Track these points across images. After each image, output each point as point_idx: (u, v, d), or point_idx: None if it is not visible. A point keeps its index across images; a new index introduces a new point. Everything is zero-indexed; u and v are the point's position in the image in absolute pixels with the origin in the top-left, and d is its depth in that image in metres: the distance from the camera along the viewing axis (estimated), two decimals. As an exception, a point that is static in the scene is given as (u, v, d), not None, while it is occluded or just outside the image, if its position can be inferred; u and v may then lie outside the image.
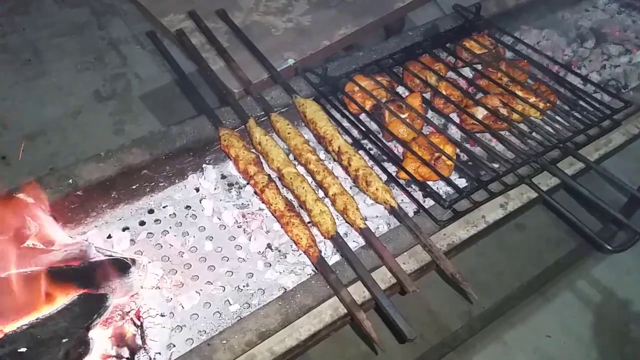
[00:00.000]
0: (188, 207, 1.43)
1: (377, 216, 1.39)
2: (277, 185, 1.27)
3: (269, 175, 1.29)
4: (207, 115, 1.43)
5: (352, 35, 2.24)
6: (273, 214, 1.25)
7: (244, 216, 1.39)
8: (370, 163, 1.38)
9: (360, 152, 1.40)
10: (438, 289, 2.50)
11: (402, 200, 1.38)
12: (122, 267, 1.17)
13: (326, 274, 1.12)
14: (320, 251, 1.17)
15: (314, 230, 1.25)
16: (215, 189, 1.46)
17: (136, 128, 3.16)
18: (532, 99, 1.42)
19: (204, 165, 1.47)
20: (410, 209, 1.37)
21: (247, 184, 1.34)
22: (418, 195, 1.36)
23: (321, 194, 1.34)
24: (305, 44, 2.12)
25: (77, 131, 3.19)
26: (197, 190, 1.46)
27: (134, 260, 1.21)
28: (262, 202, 1.29)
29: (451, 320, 2.44)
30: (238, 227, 1.39)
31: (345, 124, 1.47)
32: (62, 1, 4.01)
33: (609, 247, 1.18)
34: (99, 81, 3.47)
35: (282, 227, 1.23)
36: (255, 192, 1.30)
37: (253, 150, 1.35)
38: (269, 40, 2.12)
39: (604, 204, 1.19)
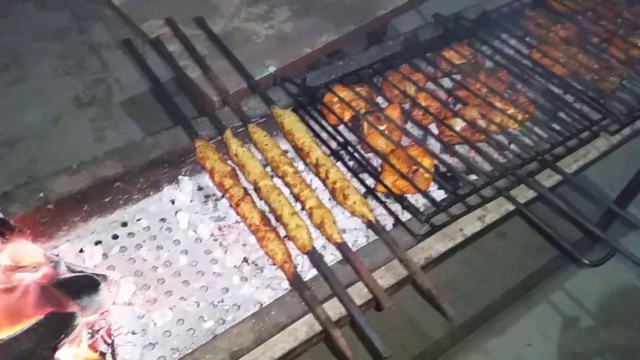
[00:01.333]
0: (163, 219, 1.40)
1: (355, 228, 1.37)
2: (252, 199, 1.25)
3: (244, 188, 1.26)
4: (183, 126, 1.40)
5: (334, 43, 2.23)
6: (249, 228, 1.23)
7: (220, 229, 1.36)
8: (349, 175, 1.36)
9: (339, 164, 1.38)
10: (419, 297, 2.49)
11: (381, 212, 1.36)
12: (92, 283, 1.13)
13: (301, 290, 1.10)
14: (295, 267, 1.15)
15: (292, 245, 1.23)
16: (191, 201, 1.43)
17: (117, 135, 3.12)
18: (511, 110, 1.42)
19: (179, 177, 1.44)
20: (389, 221, 1.36)
21: (223, 196, 1.31)
22: (397, 207, 1.34)
23: (299, 207, 1.32)
24: (286, 51, 2.10)
25: (57, 138, 3.14)
26: (173, 202, 1.43)
27: (104, 277, 1.18)
28: (238, 216, 1.26)
29: (433, 329, 2.44)
30: (214, 240, 1.36)
31: (324, 135, 1.45)
32: (42, 5, 3.96)
33: (585, 262, 1.17)
34: (79, 87, 3.42)
35: (257, 242, 1.21)
36: (231, 206, 1.28)
37: (229, 163, 1.33)
38: (250, 47, 2.10)
39: (580, 217, 1.19)
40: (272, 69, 2.03)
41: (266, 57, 2.06)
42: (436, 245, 1.28)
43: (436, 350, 2.33)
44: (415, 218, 1.22)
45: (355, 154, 1.38)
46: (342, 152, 1.41)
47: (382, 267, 1.22)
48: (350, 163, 1.40)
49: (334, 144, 1.43)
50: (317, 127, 1.46)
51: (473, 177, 1.38)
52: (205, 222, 1.38)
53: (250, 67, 1.97)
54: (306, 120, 1.46)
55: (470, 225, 1.32)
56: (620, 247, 1.16)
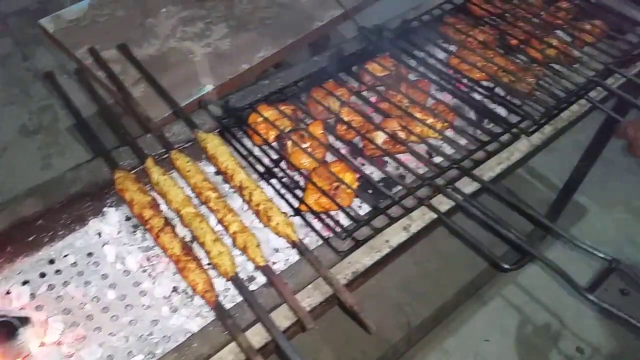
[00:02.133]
0: (90, 254, 1.38)
1: (287, 247, 1.37)
2: (173, 229, 1.24)
3: (165, 218, 1.26)
4: (103, 157, 1.39)
5: (272, 57, 2.24)
6: (170, 259, 1.22)
7: (148, 259, 1.35)
8: (276, 196, 1.36)
9: (265, 185, 1.39)
10: (377, 301, 2.51)
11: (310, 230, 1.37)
12: (9, 329, 1.11)
13: (223, 319, 1.10)
14: (217, 295, 1.15)
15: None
16: (118, 232, 1.41)
17: (64, 161, 3.07)
18: (430, 120, 1.44)
19: (104, 209, 1.42)
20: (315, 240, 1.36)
21: (144, 228, 1.30)
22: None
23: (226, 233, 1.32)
24: (224, 68, 2.11)
25: (3, 169, 3.08)
26: (100, 235, 1.41)
27: (25, 319, 1.16)
28: (159, 247, 1.25)
29: (392, 332, 2.46)
30: (143, 271, 1.35)
31: (252, 156, 1.45)
32: (-18, 33, 3.87)
33: (504, 266, 1.20)
34: (25, 115, 3.36)
35: (179, 273, 1.20)
36: (152, 237, 1.27)
37: (151, 192, 1.32)
38: (186, 66, 2.10)
39: (497, 225, 1.22)
40: (209, 88, 2.03)
41: (203, 75, 2.06)
42: (363, 258, 1.30)
43: (395, 354, 2.35)
44: (335, 235, 1.23)
45: (281, 174, 1.38)
46: (268, 173, 1.40)
47: (310, 286, 1.23)
48: (277, 184, 1.40)
49: (261, 165, 1.43)
50: (243, 149, 1.45)
51: (398, 189, 1.39)
52: (133, 253, 1.37)
53: (187, 86, 1.97)
54: (233, 142, 1.46)
55: (395, 236, 1.34)
56: (539, 254, 1.19)
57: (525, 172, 3.12)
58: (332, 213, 1.31)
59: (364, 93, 1.63)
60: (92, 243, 1.40)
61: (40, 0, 3.95)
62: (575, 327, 2.54)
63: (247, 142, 1.49)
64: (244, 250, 1.21)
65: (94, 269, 1.35)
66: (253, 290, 1.19)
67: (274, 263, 1.35)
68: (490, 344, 2.47)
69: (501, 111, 1.52)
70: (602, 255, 1.15)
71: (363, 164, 1.51)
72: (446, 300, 2.53)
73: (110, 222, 1.41)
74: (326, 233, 1.30)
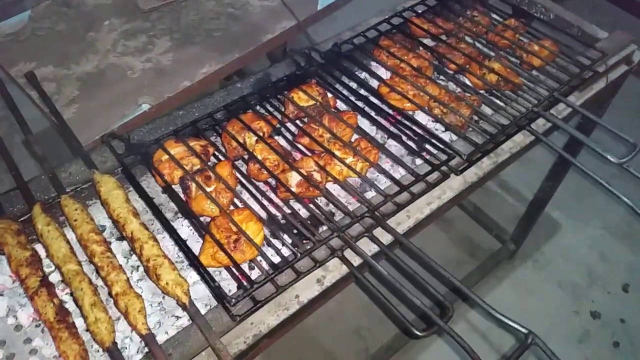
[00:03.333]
0: (-18, 306, 1.27)
1: (196, 299, 1.25)
2: (50, 290, 1.12)
3: (42, 277, 1.14)
4: (-11, 204, 1.27)
5: (216, 74, 2.12)
6: (45, 325, 1.10)
7: (40, 313, 1.24)
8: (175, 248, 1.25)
9: (164, 235, 1.27)
10: (335, 324, 2.40)
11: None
12: None
13: (90, 399, 0.99)
14: (88, 371, 1.03)
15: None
16: (13, 282, 1.30)
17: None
18: (350, 159, 1.30)
19: (-1, 257, 1.31)
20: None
21: (23, 288, 1.18)
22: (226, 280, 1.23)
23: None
24: (163, 86, 2.00)
25: (-46, 182, 2.97)
26: (-6, 285, 1.30)
27: None
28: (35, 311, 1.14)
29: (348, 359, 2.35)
30: (36, 326, 1.23)
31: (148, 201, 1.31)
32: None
33: (417, 333, 1.09)
34: (-21, 129, 3.25)
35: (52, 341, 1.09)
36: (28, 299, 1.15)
37: (35, 246, 1.20)
38: (123, 84, 2.00)
39: (407, 292, 1.11)
40: (145, 107, 1.92)
41: (140, 94, 1.96)
42: (267, 318, 1.17)
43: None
44: (225, 301, 1.10)
45: (184, 222, 1.26)
46: (167, 222, 1.27)
47: (203, 353, 1.12)
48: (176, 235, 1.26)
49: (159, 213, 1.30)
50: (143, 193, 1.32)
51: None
52: (27, 305, 1.25)
53: (121, 106, 1.87)
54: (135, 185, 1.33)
55: (307, 290, 1.21)
56: (446, 327, 1.08)
57: (496, 186, 2.98)
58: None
59: (289, 125, 1.49)
60: (-15, 294, 1.29)
61: (3, 5, 3.82)
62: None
63: (153, 184, 1.36)
64: (125, 315, 1.09)
65: (-15, 325, 1.25)
66: None
67: (178, 318, 1.23)
68: (451, 373, 2.35)
69: (431, 146, 1.38)
70: (518, 327, 1.03)
71: (286, 203, 1.37)
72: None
73: (4, 270, 1.30)
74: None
